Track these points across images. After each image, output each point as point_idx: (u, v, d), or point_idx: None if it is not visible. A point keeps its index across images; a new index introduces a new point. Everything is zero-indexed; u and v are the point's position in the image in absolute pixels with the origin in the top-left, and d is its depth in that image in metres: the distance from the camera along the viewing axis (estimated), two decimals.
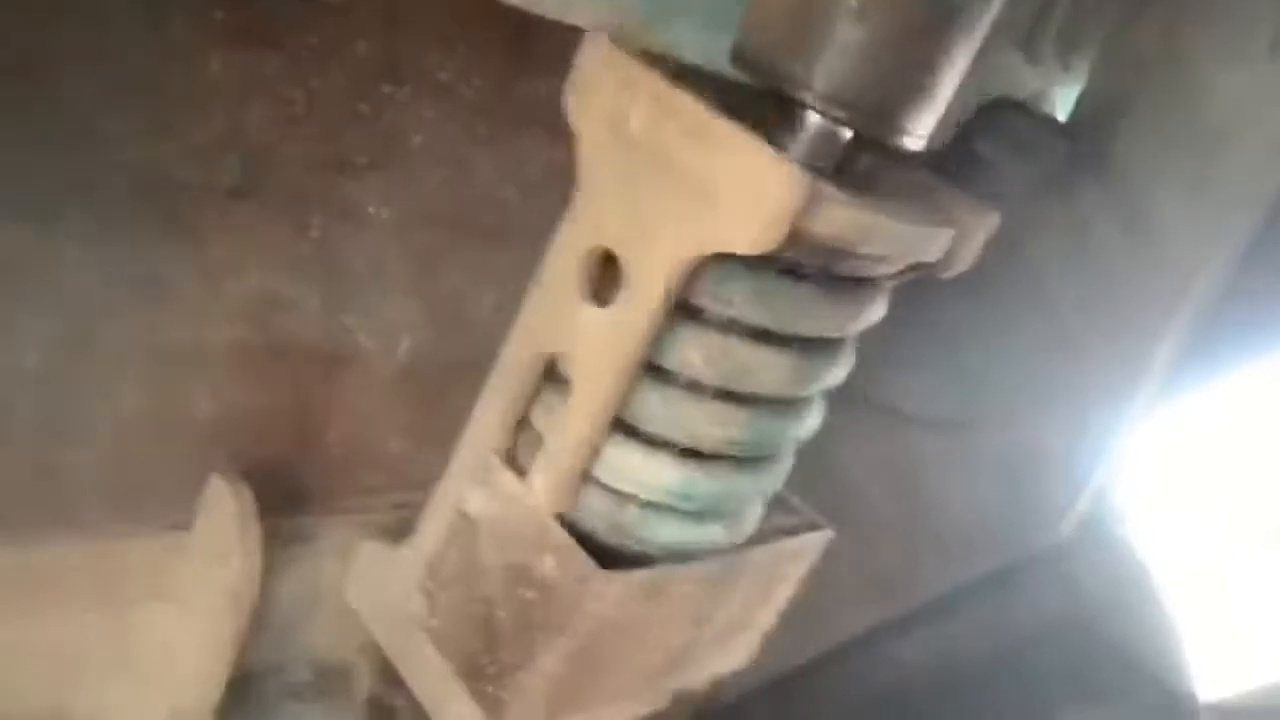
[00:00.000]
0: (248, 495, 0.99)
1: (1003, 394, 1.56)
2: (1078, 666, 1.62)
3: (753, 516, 1.03)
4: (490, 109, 1.09)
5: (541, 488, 0.91)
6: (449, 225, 1.13)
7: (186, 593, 1.01)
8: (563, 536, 0.89)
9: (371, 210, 1.07)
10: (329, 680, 1.26)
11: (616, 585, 0.89)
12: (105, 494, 0.98)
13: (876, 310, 0.95)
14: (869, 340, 0.98)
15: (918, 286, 0.99)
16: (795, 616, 1.72)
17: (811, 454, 1.57)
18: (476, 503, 0.96)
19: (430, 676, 1.02)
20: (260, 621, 1.08)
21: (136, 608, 1.00)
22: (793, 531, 1.09)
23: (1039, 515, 1.60)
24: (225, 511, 0.99)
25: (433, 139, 1.07)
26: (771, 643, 1.73)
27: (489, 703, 0.97)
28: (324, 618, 1.15)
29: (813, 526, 1.11)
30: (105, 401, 0.98)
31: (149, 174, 0.92)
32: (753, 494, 1.00)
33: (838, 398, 1.01)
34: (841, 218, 0.79)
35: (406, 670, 1.04)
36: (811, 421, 0.98)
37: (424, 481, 1.02)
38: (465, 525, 0.97)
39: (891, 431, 1.64)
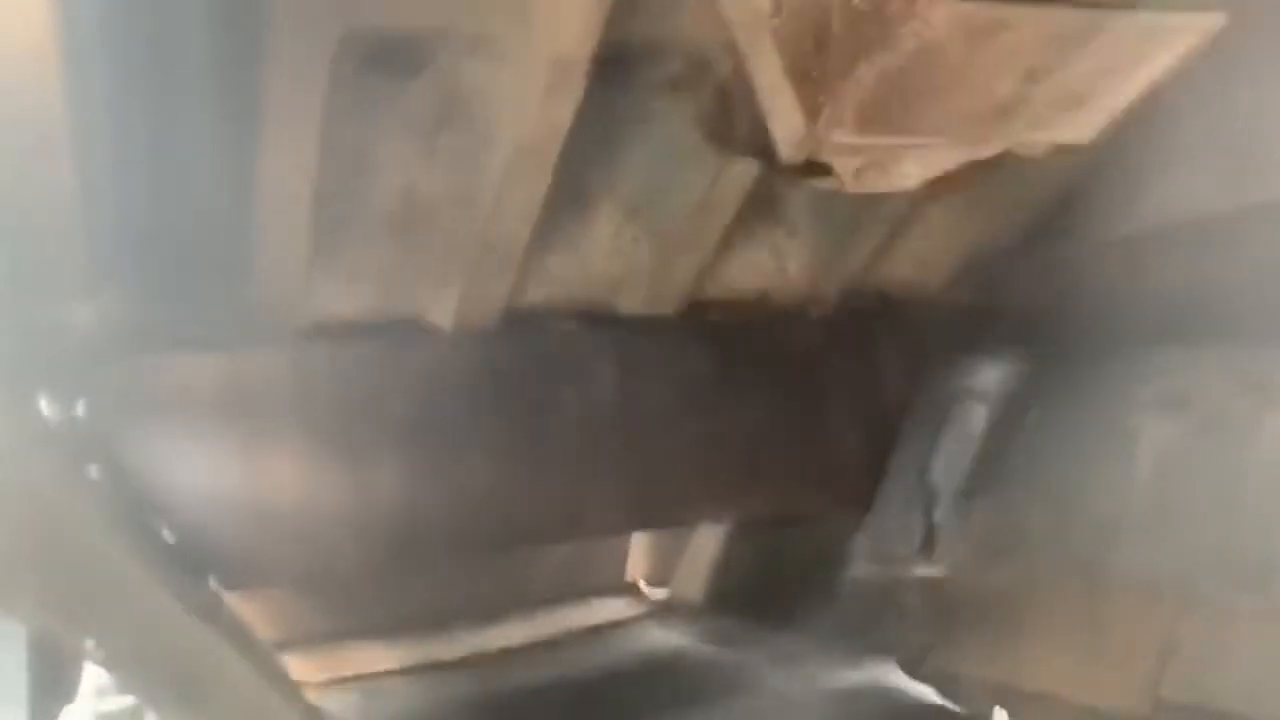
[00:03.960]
0: None
1: None
2: None
3: None
4: None
5: None
6: None
7: None
8: None
9: None
10: (693, 75, 1.38)
11: (945, 10, 0.89)
12: None
13: None
14: None
15: None
16: (1220, 148, 1.57)
17: None
18: None
19: (769, 72, 1.10)
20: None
21: None
22: (1174, 4, 1.00)
23: None
24: None
25: None
26: (1184, 178, 1.61)
27: (809, 103, 1.05)
28: (694, 5, 1.23)
29: (1200, 6, 1.01)
30: None
31: None
32: None
33: None
34: None
35: (753, 64, 1.13)
36: None
37: None
38: None
39: None
